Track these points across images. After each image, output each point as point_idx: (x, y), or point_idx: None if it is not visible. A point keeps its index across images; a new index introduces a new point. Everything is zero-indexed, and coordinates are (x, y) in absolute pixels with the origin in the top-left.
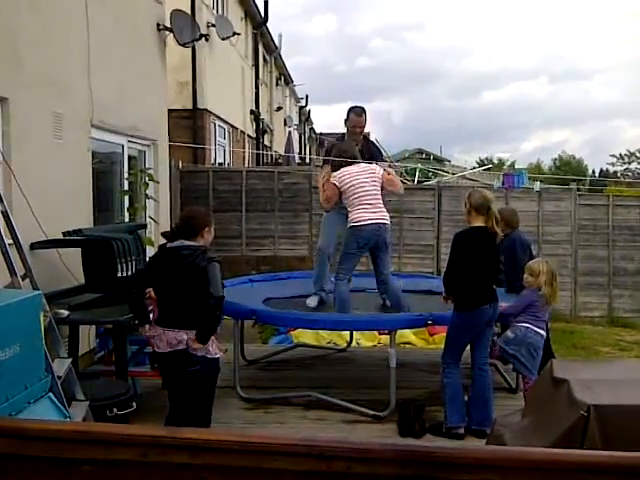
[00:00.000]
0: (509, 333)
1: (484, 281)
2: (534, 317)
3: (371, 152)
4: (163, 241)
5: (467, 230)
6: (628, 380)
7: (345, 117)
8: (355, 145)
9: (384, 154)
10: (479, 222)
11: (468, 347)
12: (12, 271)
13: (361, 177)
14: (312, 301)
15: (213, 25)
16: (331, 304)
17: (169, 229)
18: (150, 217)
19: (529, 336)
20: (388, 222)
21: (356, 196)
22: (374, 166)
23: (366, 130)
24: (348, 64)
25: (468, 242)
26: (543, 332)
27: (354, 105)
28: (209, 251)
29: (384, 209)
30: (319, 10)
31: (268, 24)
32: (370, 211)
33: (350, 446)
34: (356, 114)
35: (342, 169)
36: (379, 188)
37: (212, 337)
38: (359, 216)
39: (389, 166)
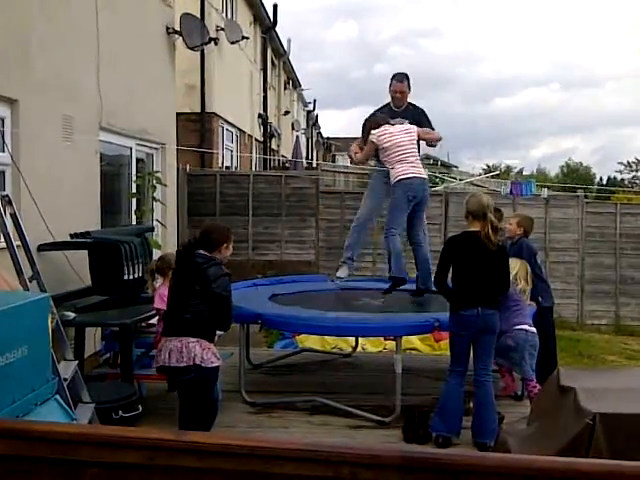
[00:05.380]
0: (510, 342)
1: (468, 284)
2: (523, 315)
3: (418, 118)
4: (172, 245)
5: (457, 234)
6: (634, 389)
7: (389, 84)
8: (397, 109)
9: None
10: (475, 227)
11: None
12: (20, 273)
13: (399, 136)
14: (342, 272)
15: (222, 29)
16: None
17: (186, 241)
18: (157, 220)
19: (529, 339)
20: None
21: (397, 154)
22: (409, 125)
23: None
24: (366, 70)
25: (453, 245)
26: (534, 329)
27: (397, 72)
28: (221, 264)
29: (422, 167)
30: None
31: (277, 28)
32: (413, 166)
33: (356, 452)
34: (397, 80)
35: (381, 127)
36: (417, 146)
37: (209, 346)
38: (404, 170)
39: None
